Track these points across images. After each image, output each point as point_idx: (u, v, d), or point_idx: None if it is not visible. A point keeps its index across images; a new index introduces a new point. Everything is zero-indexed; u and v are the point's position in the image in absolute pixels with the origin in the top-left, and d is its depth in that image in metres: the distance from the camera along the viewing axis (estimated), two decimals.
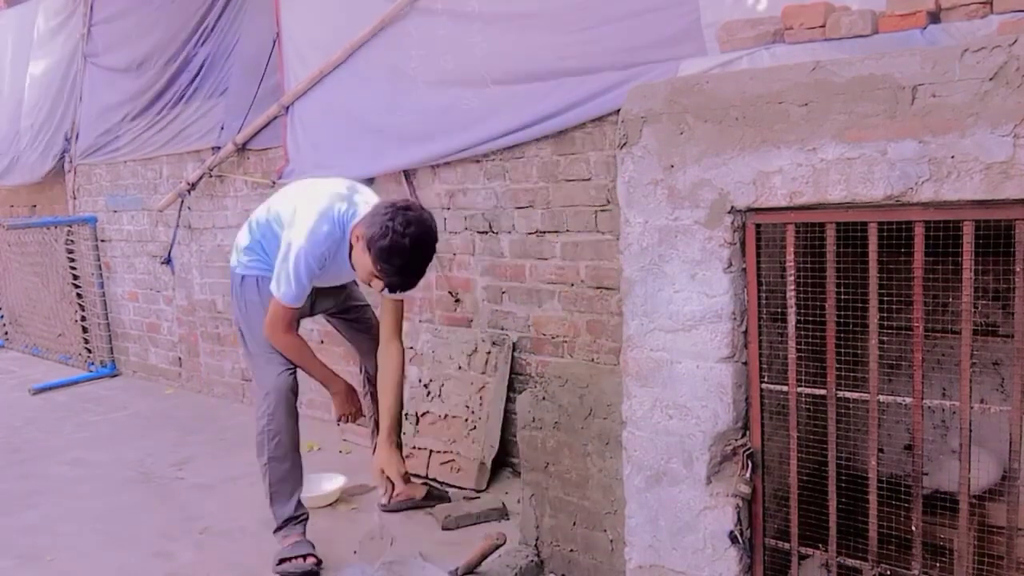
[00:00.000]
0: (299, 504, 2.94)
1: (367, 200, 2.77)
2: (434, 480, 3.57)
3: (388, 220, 2.51)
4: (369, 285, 2.72)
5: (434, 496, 3.34)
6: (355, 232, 2.64)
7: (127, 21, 5.60)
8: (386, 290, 2.72)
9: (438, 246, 2.73)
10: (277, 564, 2.81)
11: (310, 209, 2.68)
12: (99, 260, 6.17)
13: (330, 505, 3.45)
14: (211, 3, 4.93)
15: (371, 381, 3.23)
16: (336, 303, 3.20)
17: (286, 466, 2.88)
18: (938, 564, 1.96)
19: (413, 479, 3.39)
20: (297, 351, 2.85)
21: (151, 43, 5.33)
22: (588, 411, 2.53)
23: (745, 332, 2.00)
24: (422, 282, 2.75)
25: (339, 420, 3.20)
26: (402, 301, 2.98)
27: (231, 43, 4.88)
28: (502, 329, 3.74)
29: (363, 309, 3.31)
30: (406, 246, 2.51)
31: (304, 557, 2.79)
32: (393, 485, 2.88)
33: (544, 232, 3.50)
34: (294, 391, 2.87)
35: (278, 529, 2.91)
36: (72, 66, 6.07)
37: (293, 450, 2.89)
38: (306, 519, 2.95)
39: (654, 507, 2.18)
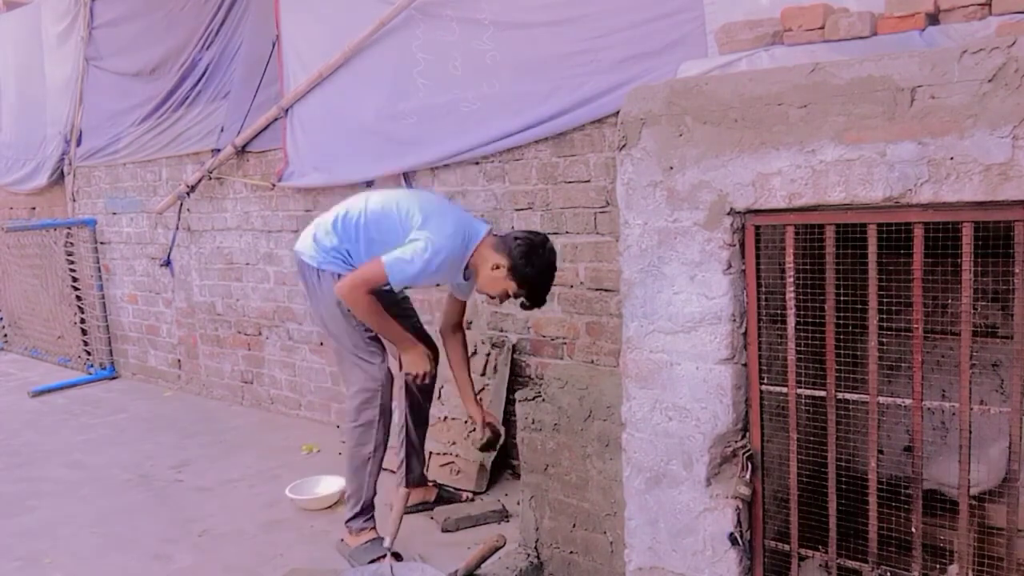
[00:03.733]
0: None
1: (478, 223, 3.00)
2: (434, 482, 3.57)
3: (529, 251, 2.80)
4: (494, 299, 2.98)
5: (443, 499, 3.40)
6: (482, 253, 2.87)
7: (135, 26, 5.59)
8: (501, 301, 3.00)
9: None
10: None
11: (448, 218, 2.88)
12: (98, 262, 6.17)
13: (329, 507, 3.45)
14: (216, 8, 4.93)
15: (408, 432, 3.32)
16: (394, 309, 3.18)
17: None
18: (938, 566, 1.96)
19: (428, 484, 3.46)
20: (372, 308, 2.88)
21: (164, 48, 5.32)
22: (588, 413, 2.53)
23: (744, 333, 2.00)
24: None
25: (411, 378, 3.17)
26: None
27: (234, 47, 4.88)
28: (502, 331, 3.73)
29: (412, 318, 3.33)
30: (549, 277, 2.90)
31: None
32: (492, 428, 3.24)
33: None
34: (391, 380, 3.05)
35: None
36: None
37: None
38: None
39: (654, 509, 2.18)
